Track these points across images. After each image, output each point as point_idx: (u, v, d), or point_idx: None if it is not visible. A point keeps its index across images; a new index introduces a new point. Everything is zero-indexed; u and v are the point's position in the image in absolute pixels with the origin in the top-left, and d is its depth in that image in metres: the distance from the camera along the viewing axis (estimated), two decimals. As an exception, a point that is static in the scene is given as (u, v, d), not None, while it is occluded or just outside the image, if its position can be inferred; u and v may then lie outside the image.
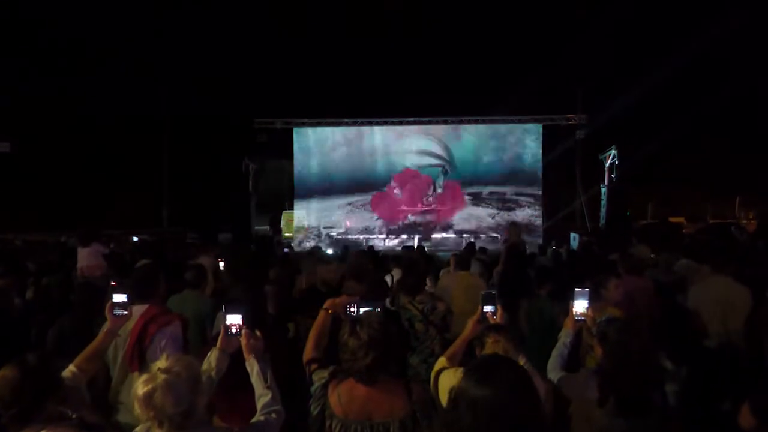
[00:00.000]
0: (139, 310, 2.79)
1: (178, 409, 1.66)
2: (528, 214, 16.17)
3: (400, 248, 11.44)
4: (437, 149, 16.70)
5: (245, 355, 2.21)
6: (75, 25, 17.64)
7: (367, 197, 16.86)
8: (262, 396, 2.11)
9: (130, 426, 2.55)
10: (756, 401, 2.02)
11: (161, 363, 1.74)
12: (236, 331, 2.24)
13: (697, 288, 4.12)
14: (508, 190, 16.29)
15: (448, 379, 2.33)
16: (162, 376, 1.68)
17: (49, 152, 19.18)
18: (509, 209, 16.26)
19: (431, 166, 16.57)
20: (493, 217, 16.37)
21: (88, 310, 3.53)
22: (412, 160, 16.73)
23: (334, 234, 16.81)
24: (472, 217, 16.49)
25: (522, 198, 16.31)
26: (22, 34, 17.50)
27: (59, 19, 17.64)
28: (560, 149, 16.63)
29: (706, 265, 4.82)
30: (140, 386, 1.67)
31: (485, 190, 16.43)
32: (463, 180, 16.53)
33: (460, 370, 2.36)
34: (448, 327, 3.48)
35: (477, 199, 16.49)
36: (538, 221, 16.16)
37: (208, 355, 2.26)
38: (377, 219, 16.81)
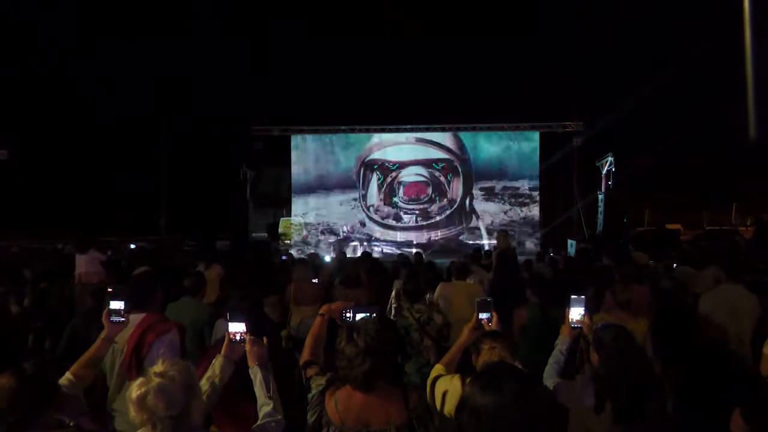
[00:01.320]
0: (136, 318, 2.78)
1: (170, 413, 1.67)
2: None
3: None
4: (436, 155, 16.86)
5: (249, 362, 2.20)
6: (71, 30, 17.68)
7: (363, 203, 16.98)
8: (264, 405, 2.11)
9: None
10: (748, 407, 2.02)
11: (157, 367, 1.75)
12: (240, 339, 2.25)
13: (709, 296, 4.14)
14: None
15: (444, 386, 2.34)
16: (156, 380, 1.70)
17: (46, 159, 19.16)
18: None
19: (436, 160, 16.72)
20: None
21: (95, 316, 3.54)
22: (409, 167, 16.87)
23: (332, 240, 16.84)
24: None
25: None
26: (18, 38, 17.52)
27: (56, 23, 17.68)
28: (557, 156, 16.72)
29: (705, 271, 4.85)
30: (135, 389, 1.70)
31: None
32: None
33: (456, 376, 2.37)
34: (444, 339, 3.47)
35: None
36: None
37: (213, 362, 2.26)
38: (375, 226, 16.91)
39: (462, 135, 16.89)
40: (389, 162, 16.85)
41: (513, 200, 16.64)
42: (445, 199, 16.82)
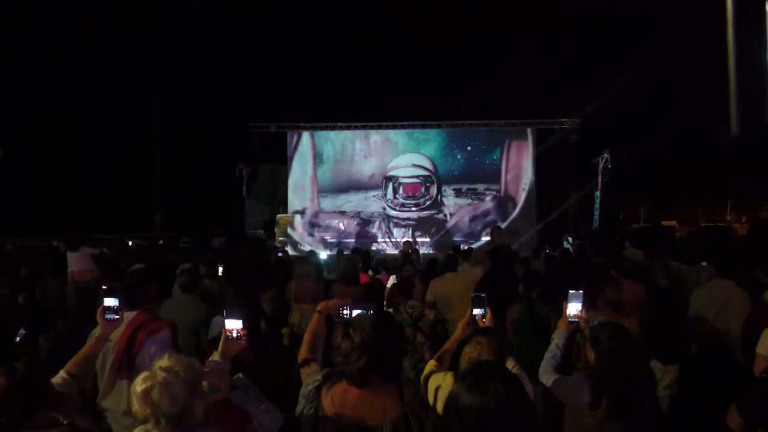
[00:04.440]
0: (128, 316, 2.75)
1: (173, 408, 1.66)
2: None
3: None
4: (427, 156, 16.97)
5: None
6: (67, 28, 17.58)
7: (362, 201, 17.00)
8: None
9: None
10: (744, 402, 2.04)
11: (163, 362, 1.73)
12: (237, 336, 2.23)
13: (699, 292, 4.12)
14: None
15: (436, 382, 2.34)
16: (161, 374, 1.67)
17: (40, 156, 19.09)
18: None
19: (423, 174, 17.13)
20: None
21: (85, 315, 3.51)
22: (406, 166, 16.93)
23: (328, 238, 16.84)
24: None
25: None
26: (14, 35, 17.42)
27: (51, 21, 17.58)
28: (553, 153, 16.74)
29: (697, 267, 4.86)
30: (139, 382, 1.67)
31: (481, 187, 16.86)
32: (455, 182, 16.97)
33: (449, 374, 2.37)
34: (437, 335, 3.46)
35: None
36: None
37: (210, 359, 2.24)
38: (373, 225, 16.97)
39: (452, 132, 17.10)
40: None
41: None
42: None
